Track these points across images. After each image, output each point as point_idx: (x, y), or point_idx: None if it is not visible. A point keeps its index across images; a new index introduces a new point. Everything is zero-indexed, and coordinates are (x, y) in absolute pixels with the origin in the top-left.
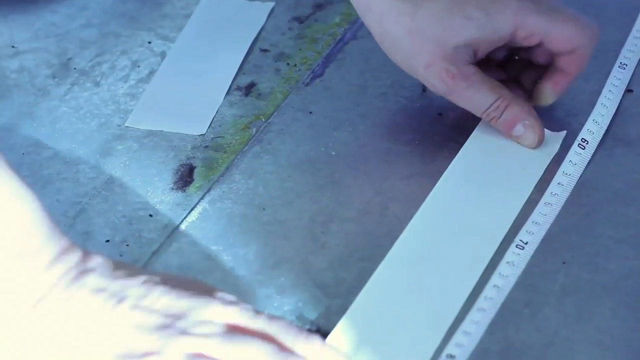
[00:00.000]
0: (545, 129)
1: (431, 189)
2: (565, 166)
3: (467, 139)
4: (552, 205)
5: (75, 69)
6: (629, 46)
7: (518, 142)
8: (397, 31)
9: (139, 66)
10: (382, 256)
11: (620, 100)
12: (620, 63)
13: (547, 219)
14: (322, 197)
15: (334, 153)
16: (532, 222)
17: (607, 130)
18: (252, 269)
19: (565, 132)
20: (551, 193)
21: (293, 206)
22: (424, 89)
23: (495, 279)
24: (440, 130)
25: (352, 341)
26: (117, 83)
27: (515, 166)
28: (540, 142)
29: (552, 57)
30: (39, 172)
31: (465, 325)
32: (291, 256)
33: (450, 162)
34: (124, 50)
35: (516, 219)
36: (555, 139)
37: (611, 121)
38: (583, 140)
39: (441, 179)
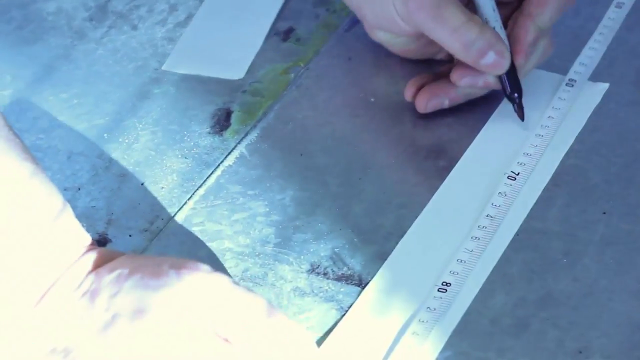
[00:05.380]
0: (589, 81)
1: (470, 136)
2: (554, 102)
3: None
4: (543, 136)
5: (112, 11)
6: None
7: (486, 71)
8: None
9: (177, 10)
10: (419, 204)
11: None
12: (618, 2)
13: (538, 149)
14: (360, 143)
15: (372, 100)
16: (524, 153)
17: None
18: (289, 214)
19: (607, 84)
20: (541, 126)
21: (330, 152)
22: None
23: (488, 209)
24: None
25: (388, 290)
26: (155, 27)
27: (558, 117)
28: (506, 70)
29: None
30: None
31: (459, 253)
32: (328, 202)
33: (491, 109)
34: None
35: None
36: (597, 90)
37: None
38: (571, 80)
39: (483, 129)
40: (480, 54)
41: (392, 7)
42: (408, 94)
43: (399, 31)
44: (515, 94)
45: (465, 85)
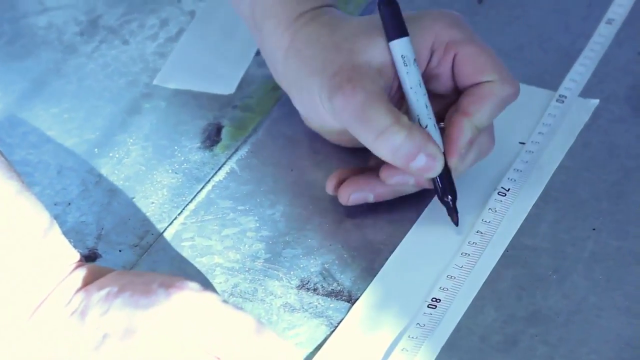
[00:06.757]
0: (579, 97)
1: None
2: (545, 118)
3: None
4: (533, 152)
5: (103, 26)
6: (620, 0)
7: (417, 175)
8: (311, 47)
9: (168, 25)
10: (409, 219)
11: None
12: (608, 19)
13: (528, 166)
14: (350, 158)
15: None
16: (514, 169)
17: None
18: (279, 229)
19: (598, 100)
20: (532, 141)
21: (321, 167)
22: None
23: (478, 225)
24: None
25: (378, 306)
26: (146, 41)
27: (548, 133)
28: (438, 173)
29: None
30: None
31: (449, 269)
32: (318, 217)
33: None
34: (153, 9)
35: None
36: (587, 106)
37: None
38: (561, 96)
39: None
40: (409, 158)
41: (318, 100)
42: (329, 187)
43: (328, 124)
44: (449, 198)
45: (394, 184)
